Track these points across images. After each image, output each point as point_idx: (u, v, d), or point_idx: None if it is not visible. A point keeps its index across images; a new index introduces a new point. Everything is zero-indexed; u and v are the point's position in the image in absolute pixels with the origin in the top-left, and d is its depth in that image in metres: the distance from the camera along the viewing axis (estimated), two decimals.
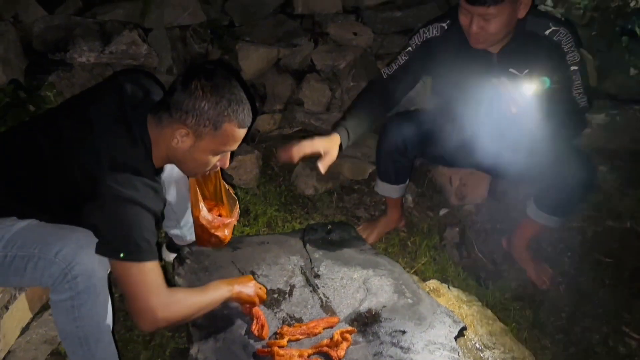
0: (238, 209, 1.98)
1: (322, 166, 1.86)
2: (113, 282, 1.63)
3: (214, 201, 1.97)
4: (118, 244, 1.40)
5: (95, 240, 1.44)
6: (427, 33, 2.01)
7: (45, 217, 1.52)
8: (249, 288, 1.66)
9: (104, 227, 1.41)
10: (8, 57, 2.54)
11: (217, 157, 1.57)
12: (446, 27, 1.98)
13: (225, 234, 1.91)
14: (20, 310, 1.80)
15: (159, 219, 1.55)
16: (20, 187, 1.50)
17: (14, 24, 2.68)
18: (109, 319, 1.54)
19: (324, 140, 1.89)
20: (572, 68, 1.92)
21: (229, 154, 1.61)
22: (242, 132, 1.53)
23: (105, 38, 2.66)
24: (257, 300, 1.68)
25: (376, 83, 2.14)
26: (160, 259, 1.87)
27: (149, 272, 1.43)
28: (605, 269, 2.36)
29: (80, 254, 1.42)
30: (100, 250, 1.43)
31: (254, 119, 1.60)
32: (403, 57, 2.07)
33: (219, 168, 1.72)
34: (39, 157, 1.47)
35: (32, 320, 1.87)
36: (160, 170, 1.66)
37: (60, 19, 2.71)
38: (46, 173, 1.45)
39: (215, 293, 1.59)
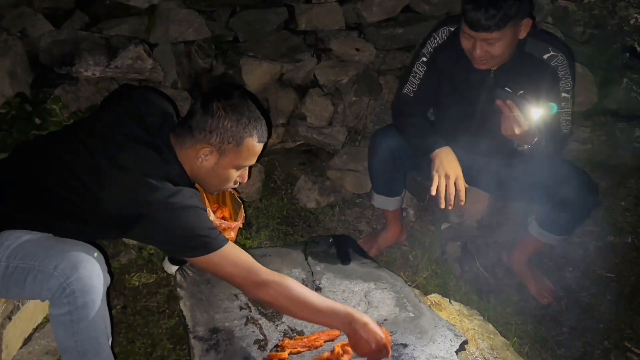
0: (243, 213, 1.99)
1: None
2: (111, 296, 1.64)
3: (217, 204, 1.99)
4: (191, 245, 1.50)
5: (94, 253, 1.47)
6: (438, 38, 2.02)
7: (67, 233, 1.54)
8: (377, 329, 1.53)
9: (169, 238, 1.51)
10: (15, 71, 2.57)
11: (238, 173, 1.68)
12: (453, 31, 1.99)
13: (232, 235, 1.92)
14: (23, 321, 1.81)
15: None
16: (49, 202, 1.52)
17: (21, 38, 2.71)
18: (108, 333, 1.54)
19: (454, 164, 1.96)
20: (563, 95, 1.94)
21: (247, 168, 1.70)
22: (260, 147, 1.65)
23: (111, 52, 2.69)
24: (387, 349, 1.52)
25: (407, 104, 2.13)
26: (184, 261, 1.92)
27: (230, 253, 1.53)
28: (607, 284, 2.36)
29: (79, 269, 1.41)
30: (180, 254, 1.57)
31: (269, 133, 1.72)
32: (420, 69, 2.07)
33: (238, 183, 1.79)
34: (72, 177, 1.50)
35: (34, 331, 1.87)
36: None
37: (66, 33, 2.74)
38: (80, 195, 1.49)
39: (331, 307, 1.55)
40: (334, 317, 1.54)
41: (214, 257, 1.52)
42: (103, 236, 1.79)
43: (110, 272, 1.55)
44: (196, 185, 1.86)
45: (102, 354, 1.53)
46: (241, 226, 1.99)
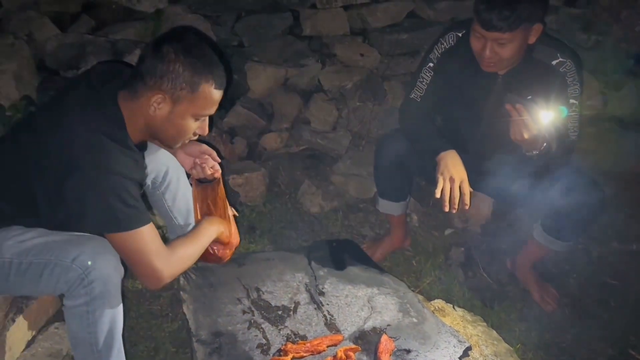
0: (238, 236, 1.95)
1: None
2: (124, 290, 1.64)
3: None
4: (107, 218, 1.41)
5: (109, 245, 1.47)
6: (445, 43, 2.02)
7: (46, 224, 1.54)
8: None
9: (88, 204, 1.39)
10: (21, 74, 2.59)
11: (197, 123, 1.54)
12: (461, 36, 1.99)
13: (227, 252, 1.88)
14: (26, 323, 1.81)
15: (142, 186, 1.58)
16: (15, 192, 1.51)
17: (28, 42, 2.74)
18: (120, 327, 1.56)
19: (459, 167, 1.96)
20: (572, 101, 1.94)
21: (207, 119, 1.58)
22: (219, 94, 1.51)
23: (117, 56, 2.71)
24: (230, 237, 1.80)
25: (414, 109, 2.13)
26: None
27: (145, 237, 1.46)
28: (611, 291, 2.35)
29: (96, 260, 1.44)
30: (90, 227, 1.46)
31: (228, 83, 1.58)
32: (427, 74, 2.07)
33: (221, 182, 1.77)
34: (21, 155, 1.48)
35: (37, 333, 1.87)
36: (142, 146, 1.61)
37: (72, 37, 2.76)
38: (29, 170, 1.45)
39: (207, 237, 1.69)
40: (206, 232, 1.69)
41: (128, 236, 1.43)
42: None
43: (123, 264, 1.54)
44: (192, 197, 1.86)
45: (114, 348, 1.55)
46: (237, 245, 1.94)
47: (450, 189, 1.90)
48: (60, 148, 1.40)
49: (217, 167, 1.82)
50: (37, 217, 1.52)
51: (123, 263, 1.53)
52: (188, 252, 1.59)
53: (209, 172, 1.80)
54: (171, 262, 1.51)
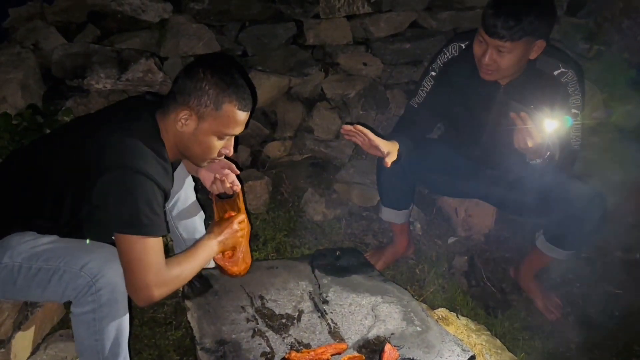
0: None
1: (389, 160, 1.90)
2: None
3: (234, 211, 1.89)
4: (129, 217, 1.42)
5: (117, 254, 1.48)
6: (448, 54, 2.05)
7: (64, 231, 1.56)
8: (231, 232, 1.74)
9: (111, 200, 1.42)
10: (27, 83, 2.61)
11: (222, 143, 1.61)
12: (464, 47, 2.02)
13: (235, 270, 1.85)
14: (32, 331, 1.82)
15: (167, 197, 1.59)
16: (34, 199, 1.53)
17: (34, 51, 2.76)
18: (127, 335, 1.57)
19: (388, 143, 1.94)
20: (574, 111, 1.96)
21: (232, 139, 1.65)
22: (242, 115, 1.59)
23: (122, 65, 2.73)
24: (241, 237, 1.77)
25: (409, 114, 2.16)
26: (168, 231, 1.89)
27: (152, 249, 1.45)
28: (615, 300, 2.35)
29: (105, 268, 1.46)
30: (109, 221, 1.44)
31: (253, 107, 1.66)
32: (428, 83, 2.10)
33: (241, 196, 1.79)
34: (48, 158, 1.53)
35: (43, 340, 1.88)
36: (174, 164, 1.69)
37: (78, 46, 2.78)
38: (58, 172, 1.50)
39: (206, 254, 1.67)
40: (205, 250, 1.66)
41: (138, 241, 1.44)
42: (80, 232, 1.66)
43: None
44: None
45: (120, 356, 1.56)
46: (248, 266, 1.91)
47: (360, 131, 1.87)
48: (97, 149, 1.45)
49: (237, 181, 1.85)
50: (54, 220, 1.54)
51: None
52: (183, 271, 1.56)
53: (228, 186, 1.83)
54: (166, 282, 1.49)
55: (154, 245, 1.46)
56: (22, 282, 1.49)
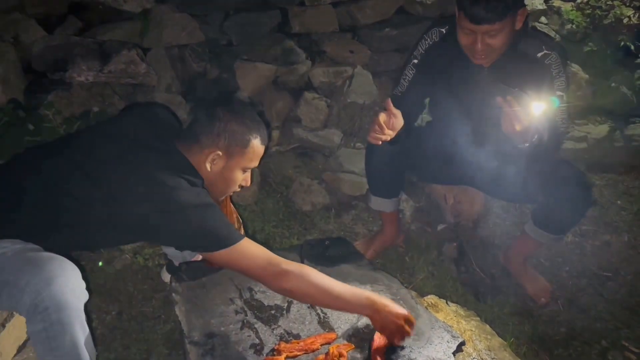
0: (243, 231, 1.97)
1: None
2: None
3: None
4: (210, 241, 1.53)
5: (69, 268, 1.43)
6: (428, 40, 2.05)
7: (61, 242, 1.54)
8: (392, 317, 1.55)
9: (189, 235, 1.53)
10: (8, 77, 2.57)
11: (243, 175, 1.73)
12: (445, 32, 2.01)
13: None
14: (17, 329, 1.79)
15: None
16: (55, 211, 1.51)
17: (14, 44, 2.71)
18: (90, 348, 1.49)
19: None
20: (559, 93, 1.95)
21: (250, 172, 1.75)
22: (263, 148, 1.72)
23: (104, 57, 2.69)
24: (406, 330, 1.56)
25: (394, 104, 2.13)
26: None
27: (248, 247, 1.55)
28: (604, 283, 2.36)
29: (51, 285, 1.36)
30: (198, 250, 1.59)
31: (269, 135, 1.82)
32: (410, 71, 2.10)
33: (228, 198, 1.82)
34: (81, 183, 1.51)
35: (28, 338, 1.86)
36: None
37: (59, 39, 2.74)
38: (90, 198, 1.50)
39: (351, 291, 1.59)
40: (355, 301, 1.56)
41: (232, 251, 1.54)
42: (107, 242, 1.80)
43: (88, 289, 1.48)
44: None
45: None
46: None
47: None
48: (147, 186, 1.49)
49: None
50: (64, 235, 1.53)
51: (88, 287, 1.48)
52: (311, 277, 1.56)
53: None
54: (281, 260, 1.54)
55: (246, 244, 1.56)
56: None
